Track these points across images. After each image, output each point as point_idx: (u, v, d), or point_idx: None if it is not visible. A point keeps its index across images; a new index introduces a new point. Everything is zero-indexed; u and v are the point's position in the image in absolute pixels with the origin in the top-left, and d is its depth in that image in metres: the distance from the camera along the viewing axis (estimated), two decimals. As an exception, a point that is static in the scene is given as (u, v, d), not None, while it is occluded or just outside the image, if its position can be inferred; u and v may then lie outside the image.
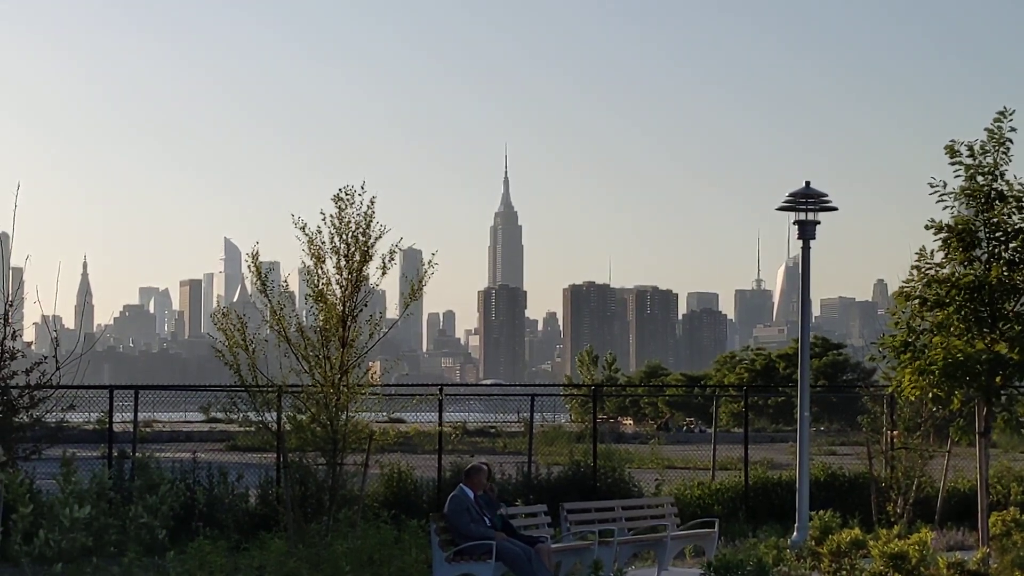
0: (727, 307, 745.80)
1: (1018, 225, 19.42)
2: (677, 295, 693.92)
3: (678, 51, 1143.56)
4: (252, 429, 21.63)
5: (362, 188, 20.55)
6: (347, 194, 20.43)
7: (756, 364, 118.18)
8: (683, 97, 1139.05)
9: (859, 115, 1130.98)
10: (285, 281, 21.47)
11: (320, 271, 20.60)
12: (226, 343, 20.24)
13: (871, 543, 16.61)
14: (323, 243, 20.51)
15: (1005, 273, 19.19)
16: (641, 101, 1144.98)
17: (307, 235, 20.49)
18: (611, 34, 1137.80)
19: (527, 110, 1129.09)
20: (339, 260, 20.47)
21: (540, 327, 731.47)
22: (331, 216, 20.49)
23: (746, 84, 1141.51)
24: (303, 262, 20.67)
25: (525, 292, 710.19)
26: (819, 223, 23.63)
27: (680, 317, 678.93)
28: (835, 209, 23.57)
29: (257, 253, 21.08)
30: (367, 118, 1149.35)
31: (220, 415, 25.19)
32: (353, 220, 20.53)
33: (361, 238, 20.53)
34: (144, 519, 18.62)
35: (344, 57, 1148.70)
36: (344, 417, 20.50)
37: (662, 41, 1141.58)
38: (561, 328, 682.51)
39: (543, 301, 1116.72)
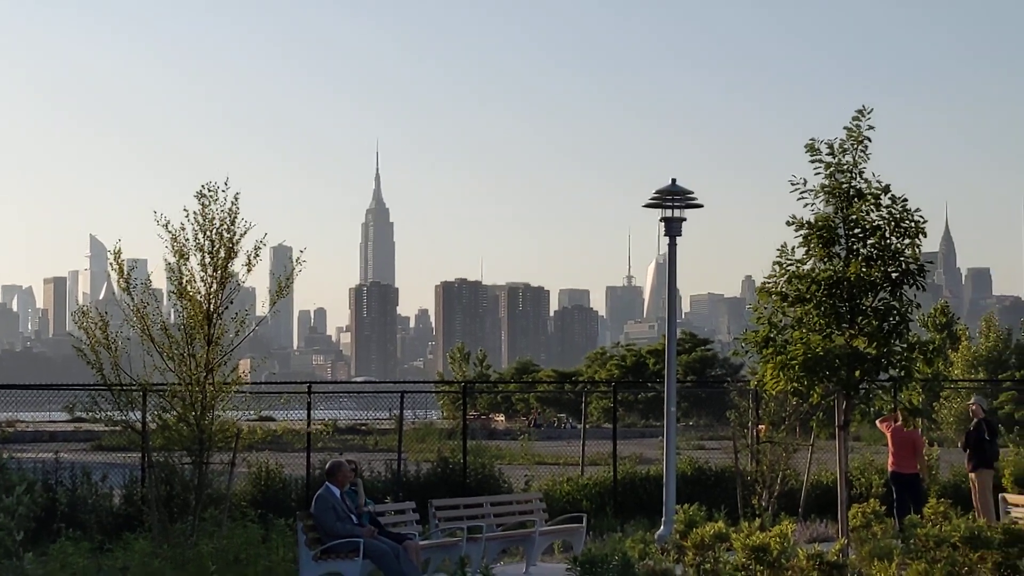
0: (598, 304, 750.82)
1: (876, 222, 19.70)
2: (548, 292, 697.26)
3: (548, 47, 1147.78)
4: (118, 428, 21.37)
5: (226, 184, 20.39)
6: (210, 190, 20.25)
7: (627, 360, 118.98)
8: (553, 93, 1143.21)
9: (727, 113, 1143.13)
10: (148, 279, 21.20)
11: (184, 268, 20.40)
12: (87, 342, 19.97)
13: (734, 536, 16.79)
14: (187, 240, 20.31)
15: (863, 269, 19.46)
16: (512, 98, 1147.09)
17: (170, 232, 20.29)
18: (481, 28, 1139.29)
19: (398, 107, 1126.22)
20: (203, 257, 20.29)
21: (412, 324, 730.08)
22: (195, 213, 20.30)
23: (615, 81, 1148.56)
24: (166, 259, 20.46)
25: (397, 289, 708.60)
26: (685, 220, 23.88)
27: (551, 314, 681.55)
28: (701, 206, 23.82)
29: (119, 251, 20.79)
30: (236, 114, 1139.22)
31: (84, 415, 24.85)
32: (217, 216, 20.35)
33: (226, 234, 20.35)
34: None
35: (211, 53, 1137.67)
36: (210, 416, 20.32)
37: (533, 36, 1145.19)
38: (433, 325, 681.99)
39: (415, 298, 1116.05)
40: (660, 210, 23.73)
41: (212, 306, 20.27)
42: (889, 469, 26.88)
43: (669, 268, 24.46)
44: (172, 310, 21.50)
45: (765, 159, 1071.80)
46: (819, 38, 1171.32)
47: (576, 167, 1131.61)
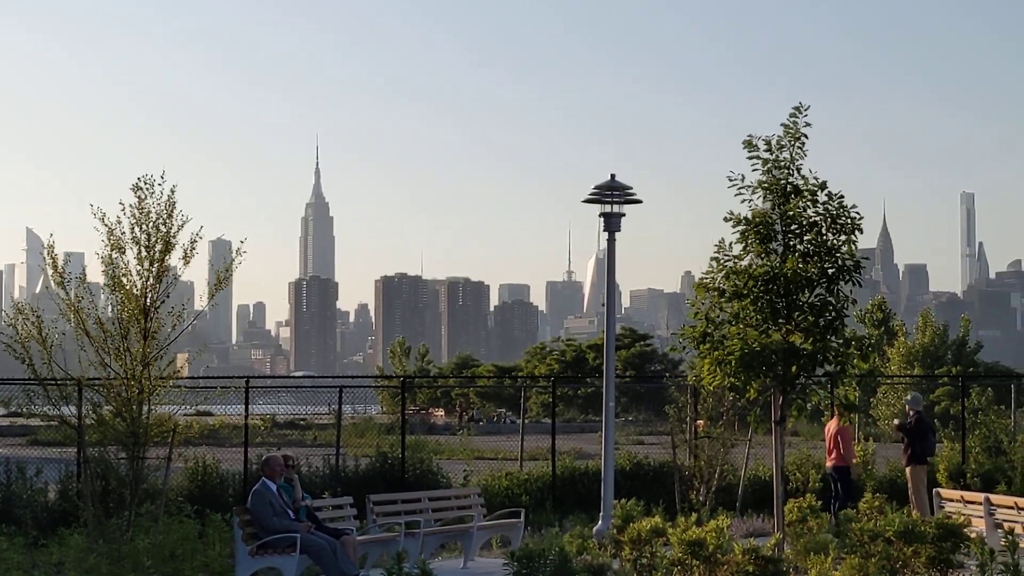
0: (538, 299, 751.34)
1: (812, 218, 19.78)
2: (489, 287, 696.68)
3: (486, 44, 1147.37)
4: (53, 423, 21.22)
5: (163, 177, 20.28)
6: (147, 183, 20.13)
7: (566, 355, 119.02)
8: (493, 89, 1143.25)
9: (667, 109, 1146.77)
10: (84, 272, 21.03)
11: (120, 262, 20.26)
12: (17, 336, 19.77)
13: (671, 531, 16.84)
14: (123, 233, 20.18)
15: (800, 265, 19.54)
16: (453, 93, 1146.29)
17: (106, 225, 20.14)
18: (419, 25, 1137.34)
19: (338, 101, 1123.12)
20: (140, 250, 20.16)
21: (352, 319, 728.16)
22: (131, 206, 20.17)
23: (555, 77, 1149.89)
24: (99, 253, 20.31)
25: (336, 283, 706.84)
26: (624, 215, 23.92)
27: (492, 308, 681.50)
28: (640, 202, 23.87)
29: (53, 244, 20.62)
30: (176, 108, 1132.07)
31: (20, 410, 24.64)
32: (154, 210, 20.23)
33: (162, 228, 20.23)
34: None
35: (150, 47, 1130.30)
36: (147, 410, 20.20)
37: (471, 32, 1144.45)
38: (373, 319, 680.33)
39: (355, 293, 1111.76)
40: (599, 205, 23.76)
41: (148, 300, 20.14)
42: (826, 464, 27.19)
43: (608, 263, 24.49)
44: (108, 304, 21.34)
45: (705, 155, 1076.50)
46: (758, 36, 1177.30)
47: (516, 162, 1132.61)
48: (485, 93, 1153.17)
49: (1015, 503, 20.06)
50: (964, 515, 18.10)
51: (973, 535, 16.67)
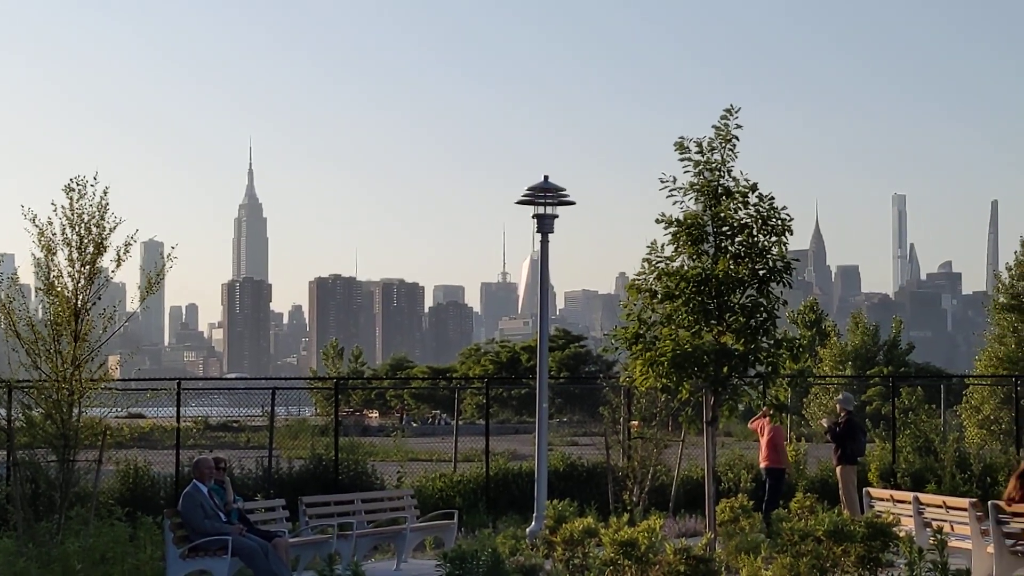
0: (473, 300, 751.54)
1: (743, 220, 19.88)
2: (423, 288, 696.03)
3: (421, 42, 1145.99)
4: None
5: (95, 179, 20.17)
6: (79, 184, 20.02)
7: (501, 356, 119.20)
8: (427, 89, 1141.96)
9: (600, 110, 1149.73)
10: (15, 273, 20.89)
11: (52, 263, 20.14)
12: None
13: (603, 531, 16.89)
14: (54, 234, 20.07)
15: (731, 266, 19.64)
16: (386, 93, 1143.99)
17: (37, 226, 20.02)
18: (353, 22, 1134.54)
19: (271, 102, 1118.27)
20: (71, 252, 20.05)
21: (285, 320, 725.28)
22: (63, 207, 20.06)
23: (489, 78, 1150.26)
24: (33, 254, 20.18)
25: (270, 285, 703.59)
26: (557, 217, 23.96)
27: (426, 310, 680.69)
28: (573, 203, 23.92)
29: (-19, 246, 20.48)
30: (107, 108, 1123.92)
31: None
32: (86, 211, 20.13)
33: (95, 229, 20.14)
34: None
35: (81, 47, 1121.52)
36: (77, 413, 20.08)
37: (405, 30, 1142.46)
38: (307, 321, 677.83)
39: (288, 294, 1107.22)
40: (533, 207, 23.81)
41: (80, 301, 20.04)
42: (760, 465, 27.39)
43: (541, 265, 24.54)
44: (40, 306, 21.21)
45: (639, 156, 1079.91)
46: (691, 38, 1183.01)
47: (450, 163, 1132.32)
48: (420, 94, 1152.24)
49: (944, 502, 20.24)
50: (894, 514, 18.24)
51: (902, 534, 16.82)
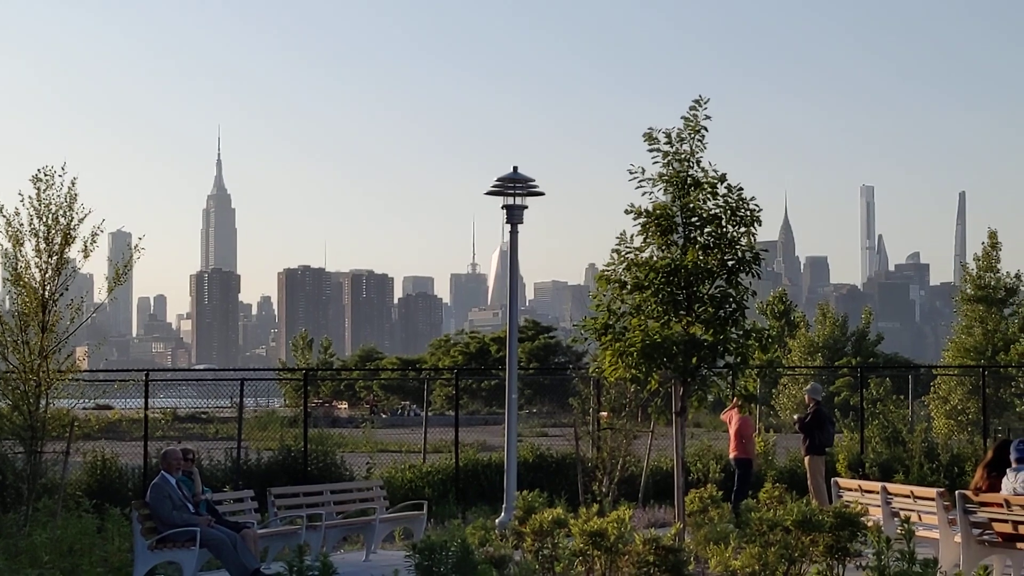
0: (443, 291, 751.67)
1: (712, 211, 19.88)
2: (393, 279, 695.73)
3: (389, 31, 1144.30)
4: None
5: (63, 169, 20.10)
6: (47, 175, 19.94)
7: (470, 347, 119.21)
8: (397, 79, 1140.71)
9: (570, 101, 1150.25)
10: (-17, 264, 20.80)
11: (19, 254, 20.06)
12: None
13: (572, 522, 16.88)
14: (22, 225, 19.98)
15: (700, 257, 19.64)
16: (354, 84, 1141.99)
17: (4, 217, 19.93)
18: (325, 12, 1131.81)
19: (239, 91, 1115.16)
20: (39, 242, 19.97)
21: (254, 311, 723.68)
22: (30, 197, 19.98)
23: (458, 68, 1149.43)
24: (1, 245, 20.10)
25: (239, 276, 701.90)
26: (527, 207, 23.94)
27: (396, 301, 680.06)
28: (542, 194, 23.90)
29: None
30: (74, 98, 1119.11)
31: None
32: (54, 201, 20.05)
33: (62, 220, 20.07)
34: None
35: (50, 36, 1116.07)
36: (44, 404, 20.00)
37: (373, 20, 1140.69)
38: (276, 312, 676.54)
39: (257, 285, 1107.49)
40: (502, 198, 23.78)
41: (47, 292, 19.97)
42: (729, 455, 27.51)
43: (511, 255, 24.54)
44: (7, 297, 21.13)
45: (608, 147, 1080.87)
46: (660, 28, 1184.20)
47: (420, 154, 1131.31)
48: (389, 85, 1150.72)
49: (911, 492, 20.30)
50: (862, 504, 18.26)
51: (870, 524, 16.87)
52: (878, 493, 20.80)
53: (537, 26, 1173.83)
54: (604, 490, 27.83)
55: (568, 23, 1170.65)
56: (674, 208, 19.88)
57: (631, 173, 20.12)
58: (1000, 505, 17.39)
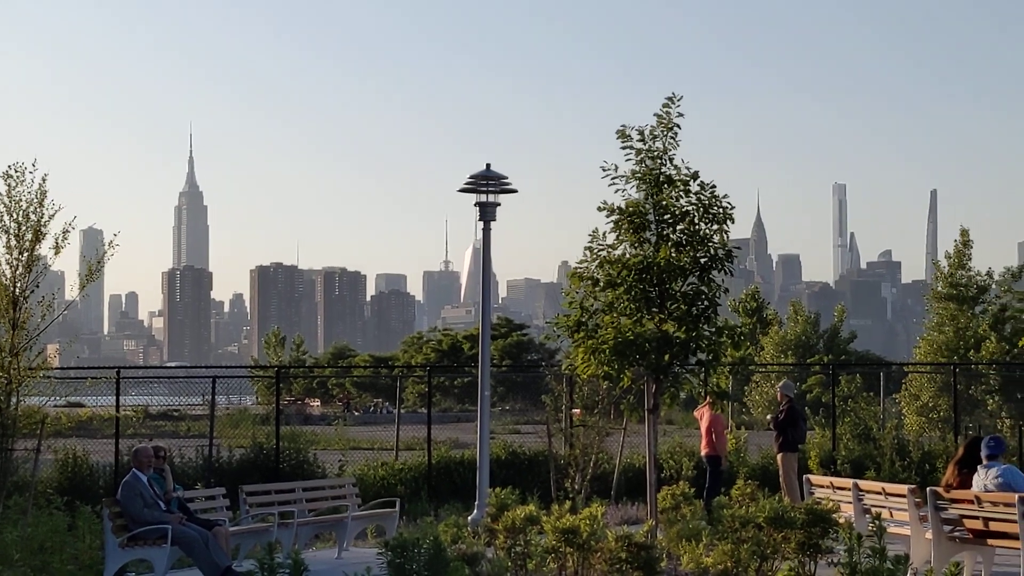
0: (415, 288, 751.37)
1: (685, 208, 19.88)
2: (365, 276, 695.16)
3: (365, 32, 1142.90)
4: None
5: (34, 165, 20.02)
6: (17, 171, 19.85)
7: (443, 345, 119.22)
8: (370, 77, 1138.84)
9: (542, 99, 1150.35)
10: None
11: (-11, 250, 19.95)
12: None
13: (544, 519, 16.90)
14: (-9, 221, 19.87)
15: (673, 254, 19.65)
16: (329, 81, 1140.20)
17: (-26, 213, 19.82)
18: (293, 11, 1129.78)
19: (212, 88, 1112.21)
20: (9, 239, 19.88)
21: (227, 309, 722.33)
22: (0, 194, 19.88)
23: (432, 66, 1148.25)
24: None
25: (211, 273, 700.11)
26: (500, 205, 23.95)
27: (368, 298, 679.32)
28: (515, 191, 23.90)
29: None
30: (45, 93, 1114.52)
31: None
32: (24, 198, 19.96)
33: (33, 216, 19.98)
34: None
35: (19, 28, 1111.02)
36: (15, 401, 19.91)
37: (348, 21, 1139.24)
38: (248, 310, 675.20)
39: (229, 283, 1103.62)
40: (475, 195, 23.78)
41: (18, 289, 19.87)
42: (701, 452, 27.58)
43: (484, 253, 24.54)
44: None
45: (582, 145, 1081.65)
46: (634, 24, 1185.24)
47: (393, 151, 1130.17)
48: (363, 82, 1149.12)
49: (882, 488, 20.37)
50: (833, 501, 18.32)
51: (842, 520, 16.92)
52: (850, 490, 20.85)
53: (512, 23, 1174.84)
54: (576, 487, 27.84)
55: (541, 19, 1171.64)
56: (647, 205, 19.87)
57: (604, 171, 20.12)
58: (971, 502, 17.46)
